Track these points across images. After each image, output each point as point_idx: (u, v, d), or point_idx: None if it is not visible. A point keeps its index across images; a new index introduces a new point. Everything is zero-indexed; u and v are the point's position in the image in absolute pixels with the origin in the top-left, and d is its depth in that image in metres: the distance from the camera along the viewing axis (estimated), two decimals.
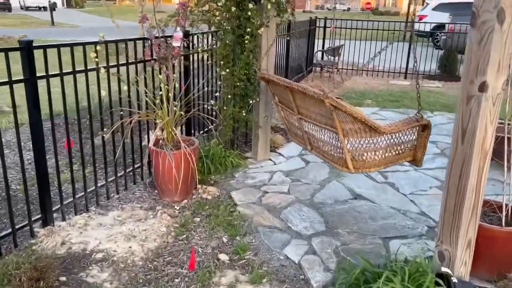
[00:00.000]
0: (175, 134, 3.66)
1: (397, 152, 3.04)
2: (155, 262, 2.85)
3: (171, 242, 3.09)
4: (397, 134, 2.95)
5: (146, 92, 3.73)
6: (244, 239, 3.15)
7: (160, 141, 3.72)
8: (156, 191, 3.84)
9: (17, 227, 2.88)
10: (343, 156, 3.01)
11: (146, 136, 4.06)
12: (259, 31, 4.14)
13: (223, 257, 2.93)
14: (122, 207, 3.56)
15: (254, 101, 4.44)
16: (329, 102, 2.75)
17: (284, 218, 3.44)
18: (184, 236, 3.18)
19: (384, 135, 2.90)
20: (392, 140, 2.99)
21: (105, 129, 3.50)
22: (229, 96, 4.39)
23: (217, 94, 4.67)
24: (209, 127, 4.93)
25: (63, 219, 3.24)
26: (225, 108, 4.44)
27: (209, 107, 4.65)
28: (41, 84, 2.91)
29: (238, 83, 4.27)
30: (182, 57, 4.09)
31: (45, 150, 3.06)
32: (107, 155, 3.63)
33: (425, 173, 4.38)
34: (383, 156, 3.01)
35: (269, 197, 3.81)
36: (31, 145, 3.01)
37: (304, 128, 3.43)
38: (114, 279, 2.65)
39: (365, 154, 2.98)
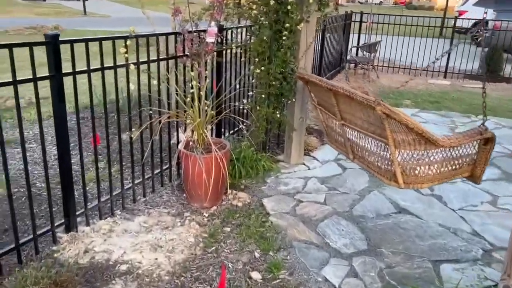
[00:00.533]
0: (206, 137, 3.42)
1: (454, 167, 2.71)
2: (182, 278, 2.63)
3: (200, 255, 2.86)
4: (455, 147, 2.63)
5: (176, 90, 3.51)
6: (278, 255, 2.90)
7: (190, 143, 3.50)
8: (184, 194, 3.63)
9: (38, 232, 2.71)
10: (392, 169, 2.70)
11: (175, 134, 3.84)
12: (298, 26, 3.85)
13: (256, 275, 2.69)
14: (149, 212, 3.36)
15: (289, 101, 4.15)
16: (381, 109, 2.44)
17: (321, 232, 3.17)
18: (214, 248, 2.95)
19: (441, 148, 2.58)
20: (449, 154, 2.67)
21: (133, 129, 3.30)
22: (263, 96, 4.12)
23: (250, 93, 4.40)
24: (240, 127, 4.70)
25: (87, 224, 3.07)
26: (258, 108, 4.18)
27: (241, 107, 4.40)
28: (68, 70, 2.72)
29: (273, 82, 3.99)
30: (215, 53, 3.85)
31: (70, 146, 2.87)
32: (134, 153, 3.43)
33: (475, 185, 4.00)
34: (438, 171, 2.69)
35: (303, 206, 3.53)
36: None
37: (346, 135, 3.13)
38: None
39: (418, 168, 2.67)
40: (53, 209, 2.87)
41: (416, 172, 2.69)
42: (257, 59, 4.05)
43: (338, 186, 3.93)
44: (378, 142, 2.82)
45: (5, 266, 2.56)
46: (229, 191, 3.66)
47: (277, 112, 4.13)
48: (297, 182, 3.98)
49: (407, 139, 2.56)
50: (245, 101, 4.44)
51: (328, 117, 3.36)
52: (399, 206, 3.59)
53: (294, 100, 4.15)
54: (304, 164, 4.42)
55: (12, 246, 2.56)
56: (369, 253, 2.93)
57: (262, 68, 3.99)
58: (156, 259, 2.78)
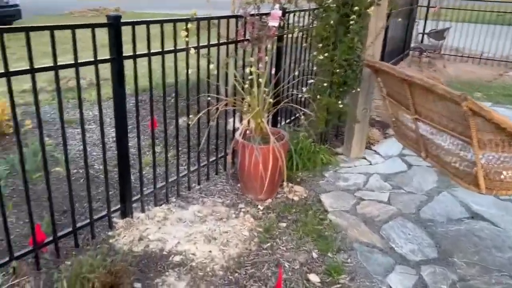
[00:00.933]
0: (264, 126, 3.25)
1: None
2: (237, 274, 2.52)
3: (254, 251, 2.73)
4: None
5: (235, 76, 3.36)
6: (338, 257, 2.70)
7: (247, 131, 3.35)
8: (238, 184, 3.51)
9: (95, 217, 2.70)
10: (473, 171, 2.41)
11: (231, 120, 3.71)
12: (368, 10, 3.55)
13: (314, 278, 2.51)
14: (203, 201, 3.28)
15: (353, 90, 3.89)
16: (467, 105, 2.15)
17: (385, 235, 2.93)
18: (269, 244, 2.80)
19: None
20: None
21: (190, 115, 3.20)
22: (325, 84, 3.88)
23: (311, 80, 4.17)
24: (296, 116, 4.49)
25: (142, 210, 3.03)
26: (318, 97, 3.95)
27: (300, 96, 4.18)
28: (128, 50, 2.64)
29: (337, 70, 3.74)
30: (276, 38, 3.65)
31: (128, 128, 2.81)
32: (190, 139, 3.34)
33: None
34: None
35: (365, 205, 3.30)
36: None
37: (419, 131, 2.85)
38: None
39: (505, 172, 2.36)
40: (110, 192, 2.85)
41: (502, 177, 2.38)
42: (320, 45, 3.81)
43: (403, 184, 3.64)
44: (458, 141, 2.52)
45: (62, 249, 2.57)
46: (284, 183, 3.49)
47: (339, 102, 3.88)
48: (358, 178, 3.73)
49: (495, 139, 2.25)
50: (304, 89, 4.22)
51: (398, 110, 3.08)
52: (472, 211, 3.25)
53: (358, 89, 3.88)
54: (365, 159, 4.15)
55: (70, 229, 2.55)
56: (439, 262, 2.66)
57: (326, 54, 3.75)
58: (210, 251, 2.68)
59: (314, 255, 2.72)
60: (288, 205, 3.28)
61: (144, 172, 3.31)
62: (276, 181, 3.33)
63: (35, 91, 2.22)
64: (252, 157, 3.14)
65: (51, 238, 2.44)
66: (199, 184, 3.51)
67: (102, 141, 2.66)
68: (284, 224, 3.03)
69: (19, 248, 2.59)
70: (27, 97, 5.23)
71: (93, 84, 6.06)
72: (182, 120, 3.49)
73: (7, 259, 2.23)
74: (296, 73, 4.27)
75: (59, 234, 2.48)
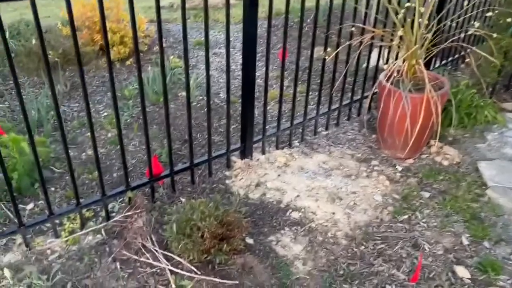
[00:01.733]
0: (420, 70, 2.59)
1: None
2: (362, 247, 2.12)
3: (387, 222, 2.27)
4: None
5: (389, 1, 2.69)
6: (497, 250, 2.10)
7: (394, 74, 2.72)
8: (374, 136, 2.99)
9: (214, 155, 2.48)
10: None
11: (373, 56, 3.09)
12: None
13: (462, 272, 1.99)
14: (330, 150, 2.85)
15: None
16: None
17: None
18: (406, 216, 2.31)
19: None
20: None
21: (328, 49, 2.69)
22: (509, 20, 2.95)
23: (490, 13, 3.22)
24: (456, 57, 3.64)
25: (263, 152, 2.74)
26: (495, 36, 3.04)
27: (467, 33, 3.30)
28: None
29: None
30: None
31: (256, 56, 2.44)
32: (323, 76, 2.87)
33: None
34: None
35: None
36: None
37: None
38: (309, 258, 2.03)
39: None
40: (231, 126, 2.60)
41: None
42: None
43: None
44: None
45: (178, 183, 2.44)
46: (432, 142, 2.86)
47: None
48: None
49: None
50: (476, 24, 3.30)
51: None
52: None
53: None
54: None
55: (187, 165, 2.39)
56: None
57: None
58: (333, 213, 2.30)
59: (465, 241, 2.16)
60: (435, 170, 2.68)
61: (267, 108, 2.97)
62: (425, 138, 2.72)
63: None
64: (398, 107, 2.56)
65: (167, 172, 2.30)
66: (326, 129, 3.08)
67: (227, 67, 2.32)
68: (427, 194, 2.48)
69: (139, 175, 2.55)
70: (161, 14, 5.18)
71: (218, 8, 5.79)
72: (316, 53, 3.00)
73: (123, 188, 2.16)
74: (466, 3, 3.36)
75: (176, 169, 2.33)
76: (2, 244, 1.96)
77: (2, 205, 2.18)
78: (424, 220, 2.29)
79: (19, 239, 1.98)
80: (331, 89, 2.91)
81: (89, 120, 1.90)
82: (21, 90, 3.53)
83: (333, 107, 3.02)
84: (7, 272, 1.76)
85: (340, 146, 2.92)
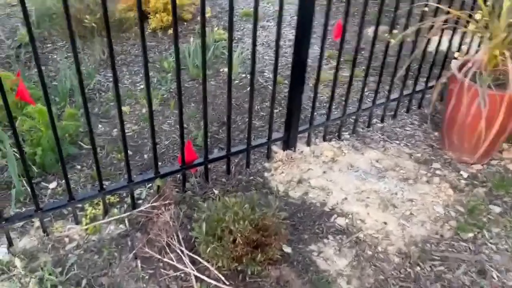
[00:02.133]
0: (504, 64, 2.18)
1: None
2: (418, 268, 1.81)
3: (448, 239, 1.95)
4: None
5: None
6: None
7: (469, 65, 2.31)
8: (436, 133, 2.62)
9: (253, 144, 2.22)
10: None
11: (444, 40, 2.67)
12: None
13: None
14: (385, 146, 2.52)
15: None
16: None
17: None
18: (471, 235, 1.97)
19: None
20: None
21: (394, 30, 2.32)
22: None
23: None
24: None
25: (308, 144, 2.44)
26: None
27: None
28: None
29: None
30: None
31: (311, 32, 2.11)
32: (385, 61, 2.51)
33: None
34: None
35: None
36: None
37: None
38: (354, 276, 1.76)
39: None
40: (275, 111, 2.31)
41: None
42: None
43: None
44: None
45: (212, 172, 2.21)
46: (505, 145, 2.47)
47: None
48: None
49: None
50: None
51: None
52: None
53: None
54: None
55: (223, 153, 2.14)
56: None
57: None
58: (385, 223, 2.00)
59: None
60: (507, 180, 2.30)
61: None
62: (499, 142, 2.33)
63: None
64: (472, 104, 2.17)
65: (201, 160, 2.06)
66: (382, 121, 2.73)
67: (276, 42, 2.00)
68: (497, 209, 2.12)
69: (171, 159, 2.34)
70: None
71: None
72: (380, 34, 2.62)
73: (152, 175, 1.95)
74: None
75: (211, 157, 2.09)
76: (19, 226, 1.81)
77: (24, 182, 2.02)
78: (492, 241, 1.95)
79: (37, 221, 1.82)
80: (393, 76, 2.54)
81: (117, 92, 1.67)
82: (55, 56, 3.43)
83: (392, 96, 2.66)
84: (18, 262, 1.61)
85: (397, 142, 2.57)
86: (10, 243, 1.72)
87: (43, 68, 3.10)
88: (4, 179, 2.05)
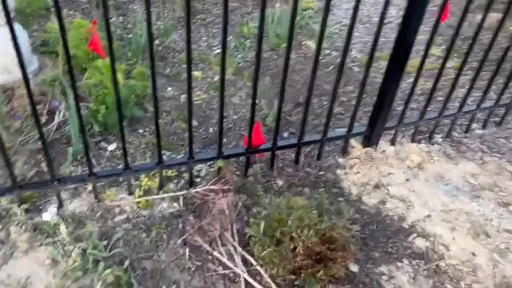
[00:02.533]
0: None
1: None
2: None
3: None
4: None
5: None
6: None
7: None
8: None
9: (329, 136, 1.94)
10: None
11: None
12: None
13: None
14: (483, 158, 2.13)
15: None
16: None
17: None
18: None
19: None
20: None
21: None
22: None
23: None
24: None
25: (392, 143, 2.13)
26: None
27: None
28: None
29: None
30: None
31: (425, 8, 1.73)
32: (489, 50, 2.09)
33: None
34: None
35: None
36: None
37: None
38: None
39: None
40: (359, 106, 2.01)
41: None
42: None
43: None
44: None
45: (278, 159, 1.98)
46: None
47: None
48: None
49: None
50: None
51: None
52: None
53: None
54: None
55: (293, 141, 1.90)
56: None
57: None
58: (474, 255, 1.68)
59: None
60: None
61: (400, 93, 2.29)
62: None
63: None
64: None
65: (269, 145, 1.84)
66: (483, 127, 2.32)
67: (382, 15, 1.67)
68: None
69: (237, 137, 2.15)
70: None
71: None
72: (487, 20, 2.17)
73: (214, 154, 1.77)
74: None
75: (279, 144, 1.86)
76: (72, 188, 1.73)
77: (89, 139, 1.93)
78: None
79: (90, 185, 1.73)
80: (510, 76, 2.11)
81: (188, 55, 1.47)
82: (136, 6, 3.31)
83: (502, 101, 2.23)
84: (63, 228, 1.52)
85: (498, 156, 2.17)
86: (61, 205, 1.64)
87: (120, 18, 3.05)
88: (66, 133, 1.97)
